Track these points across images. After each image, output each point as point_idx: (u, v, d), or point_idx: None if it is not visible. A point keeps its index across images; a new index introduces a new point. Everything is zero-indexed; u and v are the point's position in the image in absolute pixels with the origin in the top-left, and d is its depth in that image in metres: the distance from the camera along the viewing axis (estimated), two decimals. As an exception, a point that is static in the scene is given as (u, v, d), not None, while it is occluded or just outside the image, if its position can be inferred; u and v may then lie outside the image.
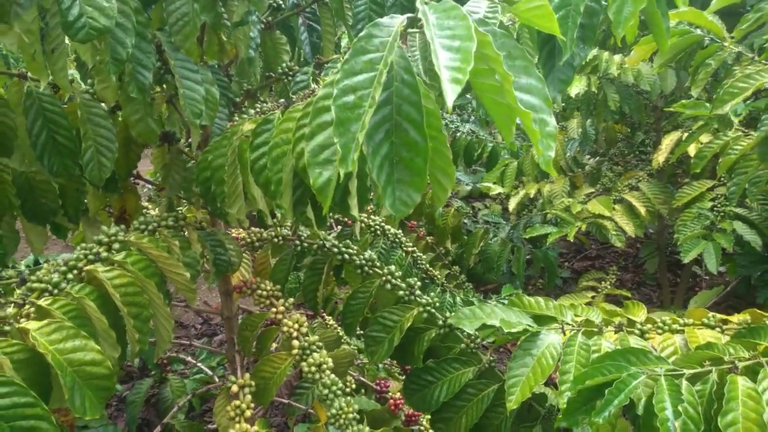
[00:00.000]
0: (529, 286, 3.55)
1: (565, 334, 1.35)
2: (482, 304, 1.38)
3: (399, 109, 0.68)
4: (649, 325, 1.34)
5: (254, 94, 1.49)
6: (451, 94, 0.58)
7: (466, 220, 3.92)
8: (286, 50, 1.59)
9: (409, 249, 2.17)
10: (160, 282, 1.14)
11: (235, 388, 1.36)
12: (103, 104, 1.24)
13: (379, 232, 2.06)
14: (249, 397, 1.33)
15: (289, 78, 1.37)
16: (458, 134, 3.89)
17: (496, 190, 3.33)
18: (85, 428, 2.28)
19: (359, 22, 1.32)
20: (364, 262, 1.47)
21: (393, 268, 1.47)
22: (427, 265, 2.23)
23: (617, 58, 2.85)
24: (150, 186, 1.94)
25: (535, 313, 1.41)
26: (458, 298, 2.19)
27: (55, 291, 0.96)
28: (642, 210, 2.77)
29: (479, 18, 0.82)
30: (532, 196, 3.28)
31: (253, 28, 1.32)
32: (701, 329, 1.27)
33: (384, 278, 1.45)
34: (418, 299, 1.43)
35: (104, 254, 1.05)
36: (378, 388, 1.77)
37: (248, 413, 1.31)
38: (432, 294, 1.43)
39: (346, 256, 1.48)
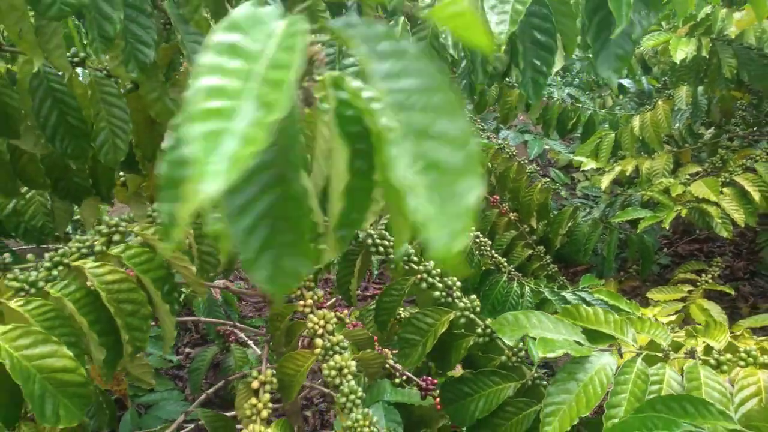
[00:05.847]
0: (622, 271, 3.24)
1: (622, 357, 1.15)
2: (529, 311, 1.20)
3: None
4: (729, 355, 1.11)
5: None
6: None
7: (563, 193, 3.63)
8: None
9: (471, 233, 1.99)
10: (167, 275, 1.07)
11: (255, 384, 1.29)
12: (114, 82, 1.17)
13: (438, 214, 1.90)
14: (267, 396, 1.25)
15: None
16: (552, 100, 3.55)
17: (590, 165, 3.03)
18: (151, 391, 2.35)
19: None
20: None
21: (432, 264, 1.31)
22: (493, 252, 2.05)
23: (737, 15, 2.44)
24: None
25: (591, 328, 1.21)
26: (527, 288, 2.00)
27: (32, 290, 0.90)
28: (756, 195, 2.39)
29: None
30: (628, 173, 2.95)
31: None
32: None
33: (419, 276, 1.30)
34: (456, 302, 1.27)
35: (98, 248, 0.99)
36: (423, 384, 1.64)
37: (264, 414, 1.23)
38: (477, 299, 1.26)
39: (381, 248, 1.34)
